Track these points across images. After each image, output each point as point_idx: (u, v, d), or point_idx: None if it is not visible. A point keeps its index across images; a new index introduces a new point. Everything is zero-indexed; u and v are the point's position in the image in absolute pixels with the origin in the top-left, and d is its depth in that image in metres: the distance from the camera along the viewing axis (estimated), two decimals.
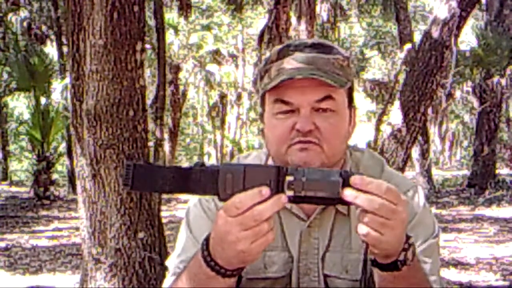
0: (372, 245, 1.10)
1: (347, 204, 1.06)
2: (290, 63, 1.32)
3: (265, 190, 1.05)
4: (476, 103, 13.70)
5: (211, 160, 29.15)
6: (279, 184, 1.06)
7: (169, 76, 17.20)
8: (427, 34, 5.30)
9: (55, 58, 14.72)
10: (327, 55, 1.33)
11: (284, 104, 1.32)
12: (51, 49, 15.68)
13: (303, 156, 1.30)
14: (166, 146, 18.04)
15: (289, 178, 1.06)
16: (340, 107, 1.33)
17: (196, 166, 1.10)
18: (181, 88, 20.24)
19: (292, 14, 10.16)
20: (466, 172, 16.77)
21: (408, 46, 5.99)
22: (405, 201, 1.07)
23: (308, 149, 1.30)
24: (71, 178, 12.48)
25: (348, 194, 1.05)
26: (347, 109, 1.36)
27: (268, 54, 1.40)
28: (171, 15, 17.60)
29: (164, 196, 9.53)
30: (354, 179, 1.05)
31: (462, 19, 5.24)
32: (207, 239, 1.14)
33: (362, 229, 1.06)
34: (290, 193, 1.06)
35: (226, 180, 1.07)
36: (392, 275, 1.15)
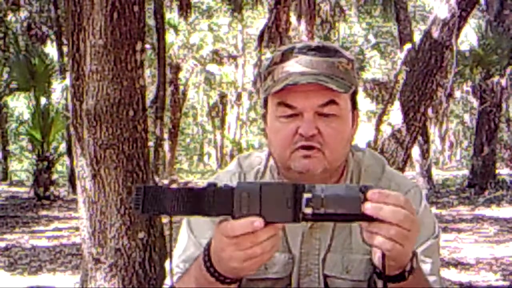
0: (392, 259, 1.08)
1: (369, 220, 1.02)
2: (294, 66, 1.32)
3: (258, 222, 1.03)
4: (476, 103, 13.70)
5: (211, 160, 29.17)
6: (296, 202, 1.03)
7: (169, 76, 17.21)
8: (427, 34, 5.30)
9: (55, 58, 14.72)
10: (331, 59, 1.32)
11: (287, 107, 1.31)
12: (51, 49, 15.68)
13: (306, 163, 1.30)
14: (166, 146, 18.05)
15: (307, 195, 1.03)
16: (344, 112, 1.33)
17: (209, 187, 1.06)
18: (181, 88, 20.25)
19: (292, 14, 10.16)
20: (466, 172, 16.77)
21: (408, 46, 5.99)
22: (415, 210, 1.07)
23: (311, 156, 1.30)
24: (71, 178, 12.48)
25: (370, 207, 1.01)
26: (350, 113, 1.36)
27: (268, 54, 1.40)
28: (171, 15, 17.61)
29: None
30: (372, 194, 1.02)
31: (462, 19, 5.23)
32: (209, 245, 1.14)
33: (387, 244, 1.03)
34: (308, 210, 1.02)
35: (242, 200, 1.04)
36: (399, 285, 1.14)
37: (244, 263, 1.06)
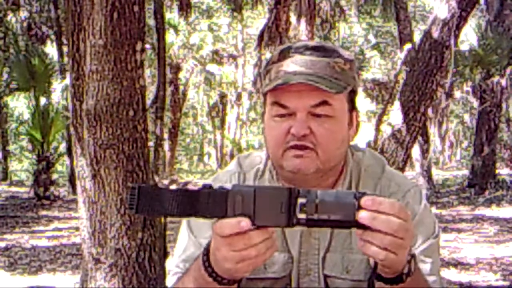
0: (387, 267, 1.09)
1: (363, 227, 1.02)
2: (289, 66, 1.32)
3: (244, 223, 1.03)
4: (476, 103, 13.69)
5: (211, 160, 29.16)
6: (291, 207, 1.03)
7: (169, 76, 17.20)
8: (427, 34, 5.30)
9: (55, 58, 14.72)
10: (327, 59, 1.32)
11: (281, 107, 1.32)
12: (51, 49, 15.68)
13: (298, 162, 1.30)
14: (166, 146, 18.04)
15: (301, 200, 1.02)
16: (338, 112, 1.32)
17: (204, 188, 1.06)
18: (181, 88, 20.25)
19: (292, 14, 10.16)
20: (466, 172, 16.77)
21: (408, 46, 5.99)
22: (410, 216, 1.06)
23: (303, 156, 1.30)
24: (71, 178, 12.48)
25: (364, 216, 1.01)
26: (346, 113, 1.35)
27: (268, 54, 1.40)
28: (171, 15, 17.61)
29: None
30: (365, 201, 1.01)
31: (462, 19, 5.23)
32: (209, 244, 1.15)
33: (380, 254, 1.03)
34: (302, 215, 1.02)
35: (236, 203, 1.04)
36: (397, 287, 1.15)
37: (238, 264, 1.06)
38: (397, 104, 5.27)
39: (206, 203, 1.05)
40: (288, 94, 1.30)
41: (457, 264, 6.37)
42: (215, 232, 1.07)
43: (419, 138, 11.09)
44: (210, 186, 1.06)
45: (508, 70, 12.65)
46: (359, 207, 1.01)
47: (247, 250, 1.05)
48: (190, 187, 1.09)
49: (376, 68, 22.88)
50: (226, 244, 1.05)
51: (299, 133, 1.29)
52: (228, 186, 1.06)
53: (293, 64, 1.32)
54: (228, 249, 1.06)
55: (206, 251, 1.15)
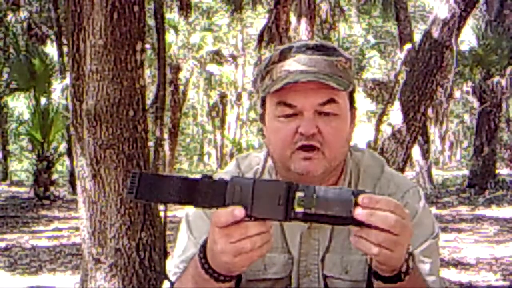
0: (382, 263, 1.09)
1: (359, 224, 1.03)
2: (293, 65, 1.32)
3: (239, 211, 1.04)
4: (476, 103, 13.69)
5: (211, 160, 29.17)
6: (289, 200, 1.04)
7: (169, 76, 17.20)
8: (427, 34, 5.30)
9: (55, 58, 14.72)
10: (330, 57, 1.33)
11: (287, 106, 1.31)
12: (51, 49, 15.67)
13: (306, 165, 1.30)
14: (166, 146, 18.03)
15: (299, 194, 1.03)
16: (343, 110, 1.33)
17: (203, 178, 1.07)
18: (181, 88, 20.24)
19: (292, 14, 10.17)
20: (466, 172, 16.77)
21: (408, 46, 5.99)
22: (409, 215, 1.07)
23: (312, 158, 1.30)
24: (71, 178, 12.48)
25: (361, 212, 1.02)
26: (349, 112, 1.36)
27: (268, 54, 1.40)
28: (171, 15, 17.61)
29: None
30: (363, 199, 1.02)
31: (462, 19, 5.23)
32: (205, 241, 1.15)
33: (373, 249, 1.03)
34: (299, 209, 1.03)
35: (234, 194, 1.05)
36: (395, 286, 1.15)
37: (235, 258, 1.07)
38: (397, 104, 5.27)
39: (205, 192, 1.07)
40: (295, 94, 1.30)
41: (457, 264, 6.37)
42: (213, 222, 1.07)
43: (419, 138, 11.09)
44: (210, 177, 1.08)
45: (508, 70, 12.65)
46: (356, 204, 1.02)
47: (243, 242, 1.05)
48: (190, 176, 1.10)
49: (376, 68, 22.88)
50: (223, 235, 1.06)
51: (308, 132, 1.28)
52: (227, 178, 1.07)
53: (296, 63, 1.32)
54: (225, 240, 1.06)
55: (203, 248, 1.15)
